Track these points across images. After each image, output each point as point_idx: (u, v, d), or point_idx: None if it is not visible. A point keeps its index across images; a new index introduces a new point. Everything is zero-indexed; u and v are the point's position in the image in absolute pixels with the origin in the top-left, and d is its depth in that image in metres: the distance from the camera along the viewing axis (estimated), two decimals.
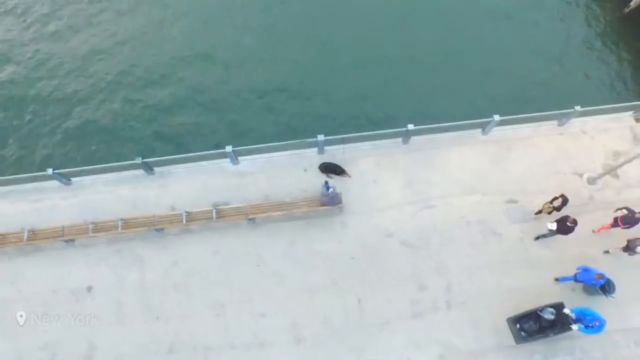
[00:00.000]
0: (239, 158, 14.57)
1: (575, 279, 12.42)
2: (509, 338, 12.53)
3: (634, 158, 13.11)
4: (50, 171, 13.58)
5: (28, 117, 18.62)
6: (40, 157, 17.53)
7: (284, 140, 14.20)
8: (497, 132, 14.99)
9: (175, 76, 19.32)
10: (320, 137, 13.84)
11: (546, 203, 13.10)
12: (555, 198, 12.82)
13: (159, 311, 13.05)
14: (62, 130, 18.18)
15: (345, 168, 14.26)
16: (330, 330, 12.83)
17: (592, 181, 14.38)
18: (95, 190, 14.45)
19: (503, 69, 19.07)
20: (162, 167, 14.65)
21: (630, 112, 15.39)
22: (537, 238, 13.51)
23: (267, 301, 13.12)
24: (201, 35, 20.11)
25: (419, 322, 12.72)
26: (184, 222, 13.50)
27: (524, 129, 15.14)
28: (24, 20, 20.56)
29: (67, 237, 13.45)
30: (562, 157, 14.80)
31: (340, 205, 13.77)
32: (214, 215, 13.53)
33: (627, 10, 21.05)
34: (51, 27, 20.42)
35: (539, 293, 12.88)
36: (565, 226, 12.26)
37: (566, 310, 11.67)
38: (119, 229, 13.44)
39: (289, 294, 13.20)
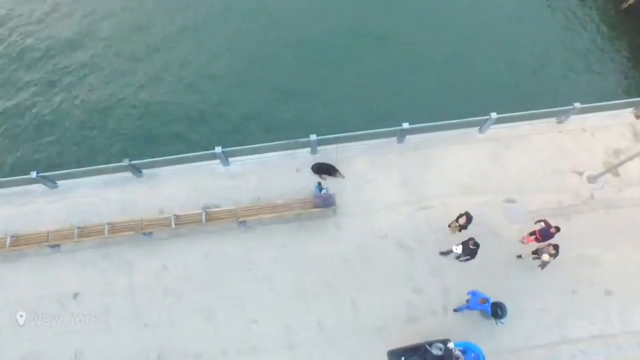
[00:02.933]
0: (230, 159, 14.21)
1: (467, 306, 11.93)
2: (509, 341, 12.22)
3: (635, 156, 12.77)
4: (34, 174, 13.21)
5: (11, 119, 18.18)
6: (26, 159, 17.05)
7: (275, 141, 13.83)
8: (494, 130, 14.65)
9: (163, 77, 18.90)
10: (313, 137, 13.52)
11: (453, 222, 12.57)
12: (461, 215, 12.27)
13: (147, 317, 12.68)
14: (46, 132, 17.73)
15: (339, 168, 13.91)
16: (324, 335, 12.46)
17: (592, 180, 14.04)
18: (81, 194, 14.07)
19: (500, 66, 18.75)
20: (150, 169, 14.28)
21: (631, 109, 15.07)
22: (442, 254, 13.02)
23: (259, 306, 12.75)
24: (189, 37, 19.76)
25: (415, 327, 12.32)
26: (173, 225, 13.12)
27: (522, 127, 14.79)
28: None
29: (53, 242, 13.07)
30: (561, 155, 14.47)
31: (333, 206, 13.40)
32: (204, 219, 13.16)
33: (625, 5, 20.76)
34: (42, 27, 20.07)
35: (538, 296, 12.55)
36: (468, 248, 11.86)
37: (450, 345, 11.25)
38: (106, 234, 13.06)
39: (282, 299, 12.82)
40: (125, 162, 13.39)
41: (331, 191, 13.37)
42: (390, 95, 17.66)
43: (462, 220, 12.13)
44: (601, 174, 13.92)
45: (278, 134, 14.97)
